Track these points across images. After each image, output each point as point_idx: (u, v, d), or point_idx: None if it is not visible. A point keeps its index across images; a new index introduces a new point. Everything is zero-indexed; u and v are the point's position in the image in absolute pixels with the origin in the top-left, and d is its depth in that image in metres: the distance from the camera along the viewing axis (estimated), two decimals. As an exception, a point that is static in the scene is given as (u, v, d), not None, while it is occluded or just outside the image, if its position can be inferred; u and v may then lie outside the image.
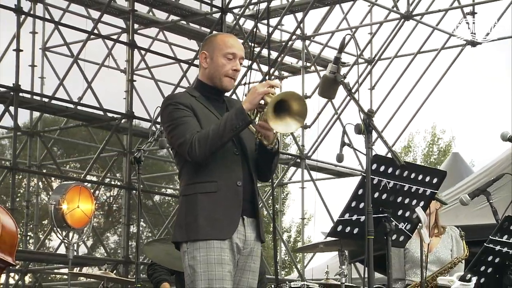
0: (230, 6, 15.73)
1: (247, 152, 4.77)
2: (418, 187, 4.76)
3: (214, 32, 13.17)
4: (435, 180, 4.82)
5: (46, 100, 14.57)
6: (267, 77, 14.99)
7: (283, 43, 16.86)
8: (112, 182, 21.46)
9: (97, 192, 27.67)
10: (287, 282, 6.35)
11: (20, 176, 21.01)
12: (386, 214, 4.67)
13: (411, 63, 17.65)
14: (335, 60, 4.58)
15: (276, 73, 18.49)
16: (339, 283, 6.69)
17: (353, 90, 4.58)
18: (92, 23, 15.69)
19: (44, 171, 17.11)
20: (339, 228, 4.64)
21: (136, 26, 16.01)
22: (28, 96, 14.26)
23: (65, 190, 12.78)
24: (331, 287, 6.80)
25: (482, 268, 5.02)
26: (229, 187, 4.67)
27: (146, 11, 16.66)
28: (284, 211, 33.22)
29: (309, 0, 15.65)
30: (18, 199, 21.62)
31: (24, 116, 16.43)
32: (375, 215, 4.60)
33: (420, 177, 4.75)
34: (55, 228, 12.88)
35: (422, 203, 4.81)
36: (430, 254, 7.17)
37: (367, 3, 17.25)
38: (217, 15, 15.70)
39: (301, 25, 17.18)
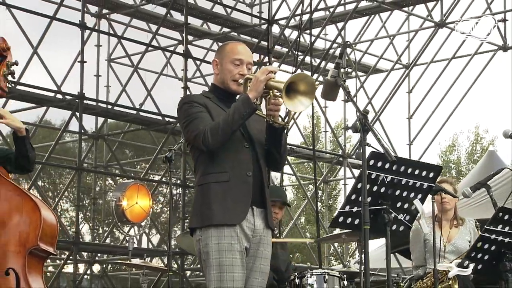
0: (276, 18, 15.77)
1: (257, 146, 4.82)
2: (415, 181, 4.74)
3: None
4: (431, 175, 4.79)
5: (109, 106, 14.80)
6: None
7: (325, 51, 16.88)
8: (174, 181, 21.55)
9: (165, 190, 28.02)
10: (309, 270, 6.33)
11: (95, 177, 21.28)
12: (385, 206, 4.66)
13: (446, 67, 17.49)
14: (336, 65, 4.59)
15: (321, 78, 18.47)
16: (358, 270, 6.69)
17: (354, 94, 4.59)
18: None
19: (117, 171, 17.34)
20: (341, 219, 4.65)
21: (190, 38, 16.14)
22: (94, 103, 14.45)
23: (124, 188, 12.98)
24: (351, 274, 6.78)
25: (479, 256, 4.98)
26: (239, 177, 4.72)
27: (200, 24, 16.76)
28: (337, 206, 33.19)
29: (348, 11, 15.63)
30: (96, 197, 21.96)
31: (91, 121, 16.65)
32: (375, 207, 4.60)
33: (416, 172, 4.73)
34: (116, 222, 13.11)
35: (420, 196, 4.78)
36: (449, 244, 7.11)
37: (404, 13, 17.15)
38: (264, 27, 15.75)
39: (342, 34, 17.17)
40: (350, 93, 4.47)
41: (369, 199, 4.58)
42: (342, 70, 4.51)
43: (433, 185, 4.78)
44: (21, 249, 5.00)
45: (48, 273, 17.06)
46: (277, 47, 16.31)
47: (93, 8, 16.06)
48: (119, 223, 12.91)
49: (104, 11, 16.07)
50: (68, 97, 13.71)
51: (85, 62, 13.70)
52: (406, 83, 17.71)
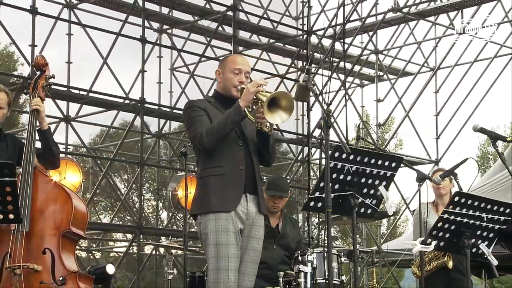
0: (314, 29, 15.84)
1: (249, 143, 4.97)
2: (379, 170, 4.80)
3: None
4: (393, 164, 4.85)
5: (168, 110, 15.10)
6: (345, 85, 15.05)
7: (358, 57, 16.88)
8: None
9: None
10: (309, 248, 6.40)
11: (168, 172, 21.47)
12: (351, 192, 4.74)
13: (469, 69, 17.26)
14: (306, 71, 4.70)
15: (357, 81, 18.46)
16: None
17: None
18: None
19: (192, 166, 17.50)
20: (312, 203, 4.73)
21: (240, 48, 16.31)
22: (154, 107, 14.73)
23: (180, 179, 13.25)
24: (348, 252, 6.83)
25: (441, 234, 5.02)
26: (234, 171, 4.88)
27: (249, 36, 16.90)
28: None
29: (378, 21, 15.60)
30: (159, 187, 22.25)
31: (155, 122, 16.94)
32: (342, 193, 4.68)
33: (379, 162, 4.78)
34: (173, 209, 13.39)
35: (384, 183, 4.84)
36: (447, 227, 7.12)
37: (429, 22, 17.03)
38: (304, 37, 15.84)
39: (374, 41, 17.19)
40: (317, 95, 4.58)
41: (337, 186, 4.69)
42: (312, 75, 4.62)
43: (395, 173, 4.84)
44: (55, 232, 5.22)
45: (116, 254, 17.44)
46: (316, 55, 16.34)
47: (155, 24, 16.40)
48: (175, 210, 13.19)
49: (165, 26, 16.39)
50: (132, 102, 14.00)
51: (145, 71, 13.96)
52: (433, 84, 17.54)
